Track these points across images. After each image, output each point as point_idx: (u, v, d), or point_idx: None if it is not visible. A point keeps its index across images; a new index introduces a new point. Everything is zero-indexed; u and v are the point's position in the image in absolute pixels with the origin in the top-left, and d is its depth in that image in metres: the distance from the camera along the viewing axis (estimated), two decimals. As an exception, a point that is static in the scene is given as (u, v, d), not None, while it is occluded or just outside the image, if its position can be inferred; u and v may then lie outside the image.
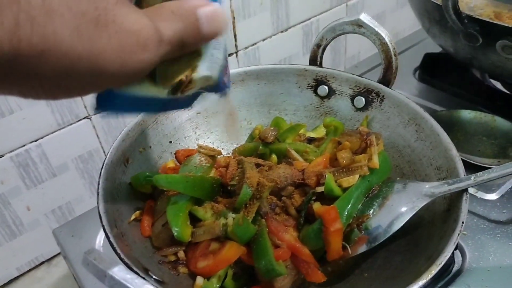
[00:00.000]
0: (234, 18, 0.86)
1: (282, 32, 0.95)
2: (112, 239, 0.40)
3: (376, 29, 0.54)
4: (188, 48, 0.29)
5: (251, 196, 0.45)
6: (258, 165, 0.51)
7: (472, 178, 0.43)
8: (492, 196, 0.60)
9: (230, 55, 0.89)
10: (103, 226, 0.41)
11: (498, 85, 0.78)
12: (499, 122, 0.67)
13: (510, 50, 0.56)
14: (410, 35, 0.95)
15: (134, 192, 0.50)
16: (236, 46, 0.90)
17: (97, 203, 0.43)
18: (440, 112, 0.70)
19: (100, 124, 0.79)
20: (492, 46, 0.58)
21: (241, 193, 0.45)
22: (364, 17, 0.55)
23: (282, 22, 0.94)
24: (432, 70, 0.80)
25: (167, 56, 0.28)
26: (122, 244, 0.42)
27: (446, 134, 0.49)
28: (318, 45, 0.60)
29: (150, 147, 0.55)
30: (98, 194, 0.44)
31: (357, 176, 0.46)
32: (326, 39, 0.59)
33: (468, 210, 0.58)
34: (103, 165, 0.47)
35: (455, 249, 0.52)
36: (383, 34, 0.54)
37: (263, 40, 0.93)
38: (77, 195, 0.83)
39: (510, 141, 0.66)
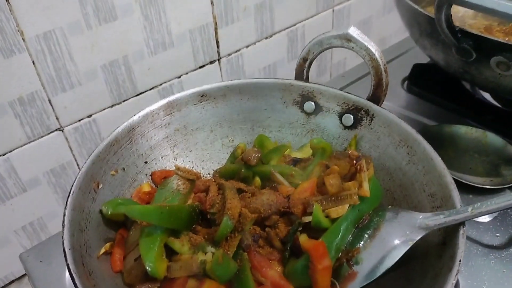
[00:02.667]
0: (216, 24, 0.83)
1: (266, 38, 0.92)
2: (77, 281, 0.36)
3: (366, 44, 0.51)
4: None
5: (232, 228, 0.41)
6: (240, 191, 0.47)
7: (470, 210, 0.40)
8: (485, 218, 0.57)
9: (212, 62, 0.86)
10: (67, 265, 0.37)
11: (488, 96, 0.75)
12: (491, 137, 0.65)
13: (505, 66, 0.54)
14: (398, 43, 0.92)
15: (105, 220, 0.46)
16: (218, 53, 0.86)
17: (62, 238, 0.39)
18: (430, 127, 0.68)
19: (73, 136, 0.75)
20: (486, 62, 0.55)
21: (221, 226, 0.41)
22: (353, 31, 0.52)
23: (267, 28, 0.91)
24: (421, 81, 0.77)
25: None
26: (89, 283, 0.38)
27: (440, 158, 0.46)
28: (304, 59, 0.56)
29: (124, 169, 0.50)
30: (63, 228, 0.40)
31: (346, 206, 0.43)
32: (313, 53, 0.55)
33: (461, 233, 0.56)
34: (69, 193, 0.43)
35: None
36: (373, 50, 0.51)
37: (247, 46, 0.90)
38: (49, 211, 0.78)
39: (502, 158, 0.63)
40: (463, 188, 0.60)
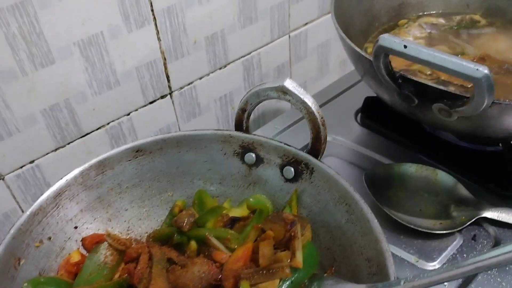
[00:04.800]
0: (165, 59, 0.80)
1: (220, 68, 0.90)
2: None
3: (302, 97, 0.50)
4: None
5: (155, 312, 0.39)
6: (170, 261, 0.45)
7: (402, 283, 0.39)
8: (434, 265, 0.56)
9: (163, 97, 0.83)
10: None
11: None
12: (441, 176, 0.64)
13: (446, 113, 0.53)
14: (350, 73, 0.91)
15: (26, 301, 0.43)
16: (169, 87, 0.83)
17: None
18: (378, 168, 0.66)
19: (16, 183, 0.71)
20: (429, 107, 0.54)
21: (143, 311, 0.39)
22: (288, 84, 0.50)
23: (220, 58, 0.89)
24: (373, 114, 0.76)
25: None
26: None
27: (376, 221, 0.44)
28: (243, 110, 0.54)
29: (50, 238, 0.48)
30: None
31: (277, 280, 0.41)
32: (251, 104, 0.53)
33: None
34: (-18, 278, 0.40)
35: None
36: (309, 103, 0.49)
37: (200, 78, 0.87)
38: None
39: (452, 198, 0.62)
40: (412, 232, 0.59)
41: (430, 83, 0.52)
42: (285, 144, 0.53)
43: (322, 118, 0.50)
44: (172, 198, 0.56)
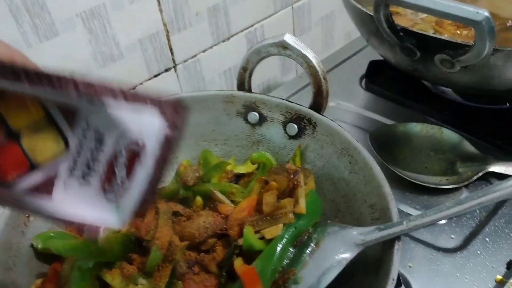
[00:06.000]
0: (168, 31, 0.80)
1: (224, 41, 0.90)
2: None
3: (302, 51, 0.50)
4: None
5: (162, 258, 0.39)
6: (177, 214, 0.45)
7: (405, 223, 0.39)
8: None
9: (167, 70, 0.83)
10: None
11: (449, 91, 0.74)
12: (447, 134, 0.63)
13: (449, 64, 0.52)
14: (357, 39, 0.91)
15: (38, 255, 0.44)
16: (173, 60, 0.84)
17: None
18: (383, 127, 0.66)
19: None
20: (431, 60, 0.54)
21: (150, 257, 0.39)
22: (288, 38, 0.50)
23: (223, 31, 0.89)
24: (378, 78, 0.76)
25: None
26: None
27: (379, 168, 0.44)
28: (244, 69, 0.54)
29: (59, 197, 0.49)
30: (-16, 270, 0.38)
31: (281, 225, 0.41)
32: (252, 62, 0.54)
33: (414, 237, 0.55)
34: (-7, 231, 0.41)
35: (399, 285, 0.48)
36: (309, 56, 0.50)
37: (203, 51, 0.88)
38: None
39: (458, 154, 0.62)
40: (418, 189, 0.59)
41: (431, 34, 0.52)
42: (287, 100, 0.53)
43: (323, 71, 0.50)
44: (178, 160, 0.56)
